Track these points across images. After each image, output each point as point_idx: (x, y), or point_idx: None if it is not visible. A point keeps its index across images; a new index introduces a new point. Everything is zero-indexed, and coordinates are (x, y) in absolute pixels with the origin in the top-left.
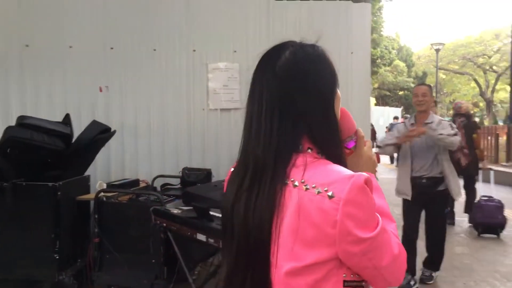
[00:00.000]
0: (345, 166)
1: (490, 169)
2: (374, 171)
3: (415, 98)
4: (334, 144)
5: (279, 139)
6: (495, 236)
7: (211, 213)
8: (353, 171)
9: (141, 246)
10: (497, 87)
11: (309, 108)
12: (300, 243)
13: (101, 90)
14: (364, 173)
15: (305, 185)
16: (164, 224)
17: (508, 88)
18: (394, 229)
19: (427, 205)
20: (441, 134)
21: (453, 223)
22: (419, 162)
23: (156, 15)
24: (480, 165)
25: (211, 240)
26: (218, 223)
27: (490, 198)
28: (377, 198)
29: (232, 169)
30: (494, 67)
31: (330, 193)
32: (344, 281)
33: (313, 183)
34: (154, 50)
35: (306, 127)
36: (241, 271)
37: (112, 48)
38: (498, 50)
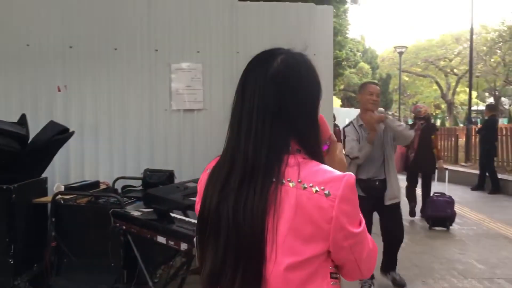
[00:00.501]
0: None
1: (446, 168)
2: (344, 170)
3: (369, 97)
4: (318, 146)
5: (271, 140)
6: (445, 229)
7: (172, 215)
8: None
9: (100, 249)
10: (458, 89)
11: (299, 112)
12: (298, 239)
13: (59, 90)
14: (350, 173)
15: (302, 185)
16: (124, 227)
17: (468, 90)
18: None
19: (381, 209)
20: (400, 126)
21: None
22: (370, 163)
23: (117, 13)
24: (437, 164)
25: (172, 243)
26: (179, 225)
27: (442, 194)
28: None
29: (208, 170)
30: (455, 70)
31: (326, 192)
32: (330, 273)
33: (310, 183)
34: (115, 49)
35: (295, 130)
36: (231, 268)
37: (71, 47)
38: (458, 53)
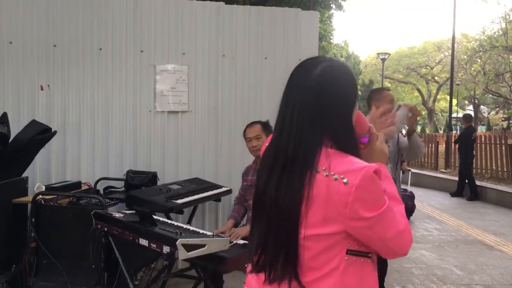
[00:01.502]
0: (360, 158)
1: (409, 170)
2: (384, 162)
3: (391, 105)
4: (352, 144)
5: (308, 137)
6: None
7: (155, 217)
8: (367, 161)
9: (81, 251)
10: (439, 96)
11: (334, 115)
12: (320, 217)
13: (42, 89)
14: (374, 164)
15: (325, 172)
16: (106, 229)
17: (448, 98)
18: (402, 210)
19: None
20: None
21: None
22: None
23: (102, 13)
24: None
25: (154, 245)
26: (162, 228)
27: (404, 190)
28: (386, 184)
29: (267, 143)
30: (436, 78)
31: (345, 180)
32: (347, 250)
33: (332, 171)
34: (100, 49)
35: (329, 130)
36: (272, 242)
37: (55, 46)
38: (439, 61)
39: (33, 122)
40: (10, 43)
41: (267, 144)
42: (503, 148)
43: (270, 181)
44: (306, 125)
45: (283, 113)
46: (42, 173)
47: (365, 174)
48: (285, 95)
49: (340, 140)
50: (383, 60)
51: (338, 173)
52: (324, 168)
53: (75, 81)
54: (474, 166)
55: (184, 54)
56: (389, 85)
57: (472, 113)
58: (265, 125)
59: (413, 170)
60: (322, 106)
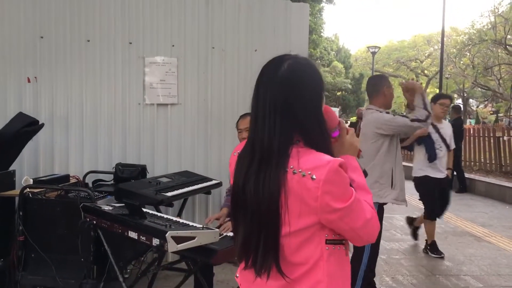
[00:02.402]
0: (331, 152)
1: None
2: (355, 154)
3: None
4: (321, 138)
5: (281, 132)
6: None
7: (144, 210)
8: (338, 155)
9: (70, 244)
10: (428, 90)
11: (302, 110)
12: (293, 213)
13: (29, 81)
14: (339, 158)
15: (293, 170)
16: (94, 222)
17: (438, 91)
18: (370, 200)
19: None
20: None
21: None
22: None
23: (90, 4)
24: None
25: (143, 238)
26: (151, 220)
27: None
28: (355, 175)
29: (235, 153)
30: (426, 71)
31: (313, 176)
32: (326, 239)
33: (300, 169)
34: (88, 41)
35: (298, 124)
36: (255, 237)
37: (42, 37)
38: (429, 55)
39: (20, 115)
40: None
41: (240, 148)
42: (492, 141)
43: (249, 179)
44: (278, 120)
45: (255, 109)
46: (29, 166)
47: (331, 168)
48: (256, 91)
49: (309, 134)
50: (373, 53)
51: (305, 170)
52: (291, 166)
53: (62, 74)
54: (462, 158)
55: (173, 46)
56: None
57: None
58: None
59: (404, 163)
60: (290, 102)
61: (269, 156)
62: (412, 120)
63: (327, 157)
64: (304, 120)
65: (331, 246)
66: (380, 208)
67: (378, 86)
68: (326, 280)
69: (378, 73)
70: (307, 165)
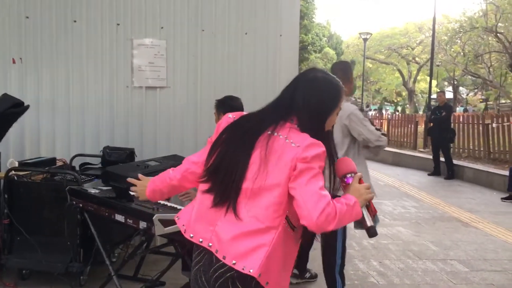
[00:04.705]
0: (324, 139)
1: None
2: (358, 197)
3: None
4: (314, 133)
5: (277, 113)
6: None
7: (131, 193)
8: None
9: (56, 228)
10: (419, 77)
11: (306, 111)
12: (270, 167)
13: (14, 62)
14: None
15: (286, 139)
16: (81, 205)
17: (428, 79)
18: (338, 206)
19: None
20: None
21: None
22: None
23: None
24: None
25: (130, 221)
26: (138, 204)
27: None
28: (342, 202)
29: (230, 115)
30: (417, 59)
31: (298, 144)
32: (287, 216)
33: (291, 140)
34: (75, 21)
35: (298, 115)
36: (225, 170)
37: (27, 17)
38: (420, 42)
39: (5, 96)
40: None
41: (237, 114)
42: (480, 128)
43: (232, 139)
44: (284, 108)
45: (280, 96)
46: (15, 149)
47: (313, 142)
48: (289, 86)
49: (305, 126)
50: (365, 40)
51: (294, 140)
52: (286, 136)
53: (48, 55)
54: (451, 145)
55: (162, 28)
56: (370, 65)
57: (451, 94)
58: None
59: (393, 150)
60: (305, 106)
61: (262, 124)
62: (383, 134)
63: (313, 139)
64: (303, 117)
65: (288, 225)
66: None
67: (348, 73)
68: (270, 249)
69: (369, 60)
70: (296, 138)
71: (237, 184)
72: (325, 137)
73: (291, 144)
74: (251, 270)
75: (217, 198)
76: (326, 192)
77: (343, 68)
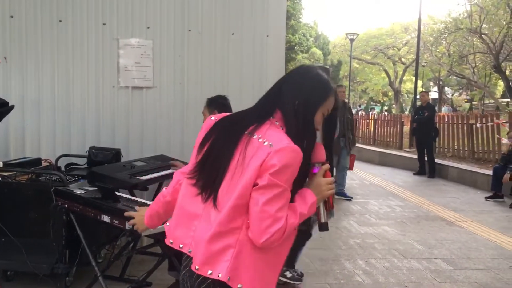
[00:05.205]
0: (311, 142)
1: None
2: (318, 195)
3: None
4: (295, 132)
5: (262, 110)
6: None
7: (118, 194)
8: (304, 187)
9: (41, 228)
10: (405, 78)
11: (291, 104)
12: (246, 169)
13: None
14: (299, 149)
15: (259, 139)
16: (66, 205)
17: (414, 79)
18: (290, 221)
19: None
20: None
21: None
22: None
23: None
24: None
25: (116, 222)
26: (124, 204)
27: None
28: (299, 203)
29: (213, 117)
30: (403, 59)
31: (271, 145)
32: None
33: (265, 139)
34: (60, 21)
35: (282, 109)
36: (210, 166)
37: (12, 17)
38: (406, 43)
39: None
40: None
41: (220, 115)
42: (465, 128)
43: (220, 135)
44: (269, 105)
45: (267, 94)
46: None
47: (288, 146)
48: (278, 83)
49: (288, 124)
50: (352, 40)
51: (269, 139)
52: (260, 135)
53: (33, 54)
54: (436, 145)
55: (148, 28)
56: (357, 66)
57: (437, 94)
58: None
59: (379, 150)
60: (285, 95)
61: (243, 124)
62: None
63: (291, 141)
64: (286, 113)
65: None
66: None
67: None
68: (236, 250)
69: (355, 60)
70: (272, 138)
71: (218, 184)
72: (309, 135)
73: (263, 144)
74: (219, 275)
75: (201, 190)
76: (283, 213)
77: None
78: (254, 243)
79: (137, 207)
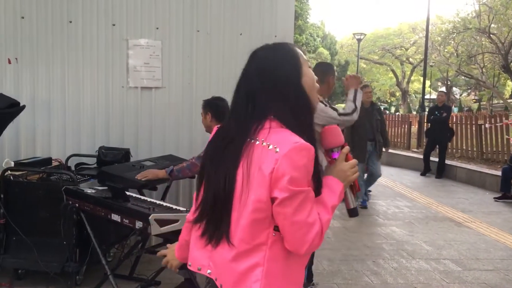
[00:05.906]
0: (307, 136)
1: None
2: (344, 181)
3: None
4: (295, 121)
5: (253, 116)
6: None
7: (127, 193)
8: (327, 176)
9: (52, 227)
10: (412, 78)
11: (277, 97)
12: (251, 184)
13: (9, 62)
14: (309, 144)
15: (263, 143)
16: (77, 205)
17: (422, 79)
18: (324, 218)
19: None
20: None
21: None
22: None
23: None
24: None
25: (126, 221)
26: (134, 203)
27: None
28: (326, 194)
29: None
30: (410, 59)
31: (277, 149)
32: (275, 226)
33: (268, 142)
34: (70, 22)
35: (274, 109)
36: (211, 203)
37: (23, 18)
38: (414, 43)
39: (0, 96)
40: None
41: (218, 127)
42: (473, 128)
43: (214, 157)
44: (250, 108)
45: (235, 99)
46: (10, 149)
47: (295, 147)
48: (238, 82)
49: (282, 118)
50: (359, 40)
51: (272, 143)
52: (263, 139)
53: (44, 55)
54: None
55: (157, 28)
56: (364, 66)
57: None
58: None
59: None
60: (264, 89)
61: (239, 133)
62: (340, 114)
63: (296, 138)
64: (277, 105)
65: (278, 233)
66: None
67: (325, 74)
68: (265, 267)
69: (362, 60)
70: (274, 139)
71: (227, 212)
72: (307, 111)
73: (268, 148)
74: None
75: (208, 232)
76: (314, 216)
77: (323, 69)
78: (290, 253)
79: (168, 244)
